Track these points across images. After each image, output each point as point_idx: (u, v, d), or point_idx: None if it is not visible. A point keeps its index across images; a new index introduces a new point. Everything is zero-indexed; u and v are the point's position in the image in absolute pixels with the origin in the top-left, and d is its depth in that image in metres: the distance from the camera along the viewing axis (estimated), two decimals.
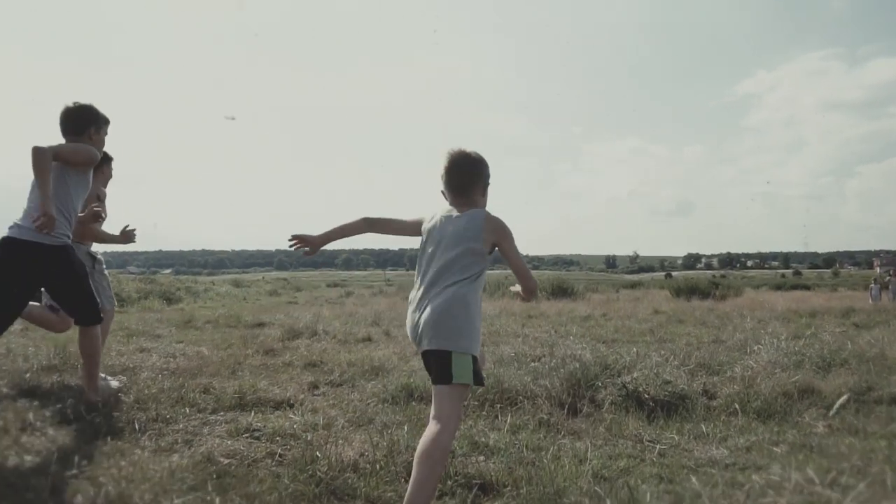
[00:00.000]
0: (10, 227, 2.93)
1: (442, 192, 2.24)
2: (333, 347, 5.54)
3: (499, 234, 2.10)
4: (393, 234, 2.31)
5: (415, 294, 2.12)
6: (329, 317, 10.15)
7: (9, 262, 2.88)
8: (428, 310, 2.01)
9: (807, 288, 40.47)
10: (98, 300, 3.22)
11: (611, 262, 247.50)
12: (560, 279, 22.29)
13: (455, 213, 2.16)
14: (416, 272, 2.17)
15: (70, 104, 3.16)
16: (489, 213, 2.14)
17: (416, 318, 2.04)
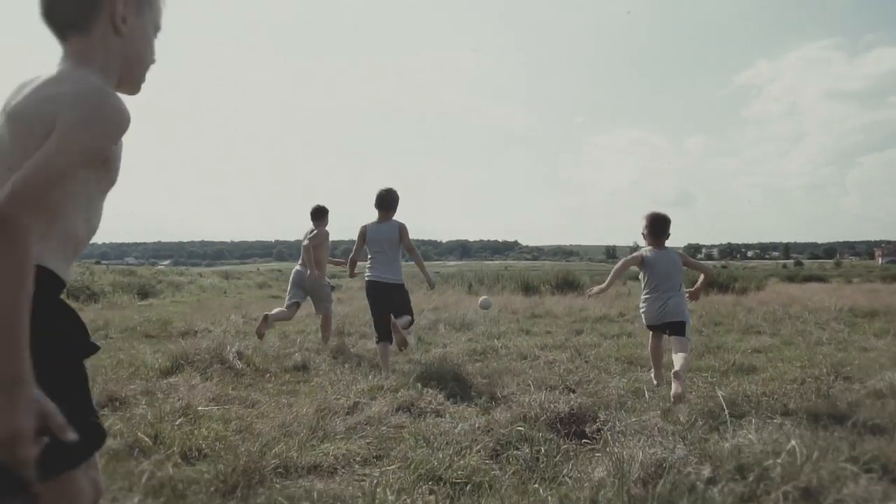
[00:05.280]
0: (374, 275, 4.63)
1: (643, 234, 3.90)
2: (219, 395, 3.33)
3: (684, 257, 3.95)
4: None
5: (653, 296, 3.74)
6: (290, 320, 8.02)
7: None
8: (670, 303, 3.69)
9: (821, 280, 38.37)
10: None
11: (611, 253, 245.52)
12: (565, 271, 20.25)
13: (658, 250, 3.82)
14: (647, 283, 3.78)
15: (383, 190, 4.68)
16: (678, 249, 3.98)
17: (662, 308, 3.70)
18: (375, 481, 2.02)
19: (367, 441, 2.53)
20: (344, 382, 3.65)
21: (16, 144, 1.07)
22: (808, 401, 3.09)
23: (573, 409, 2.95)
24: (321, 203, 5.69)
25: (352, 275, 5.09)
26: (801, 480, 1.78)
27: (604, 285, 3.87)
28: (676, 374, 3.34)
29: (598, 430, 2.79)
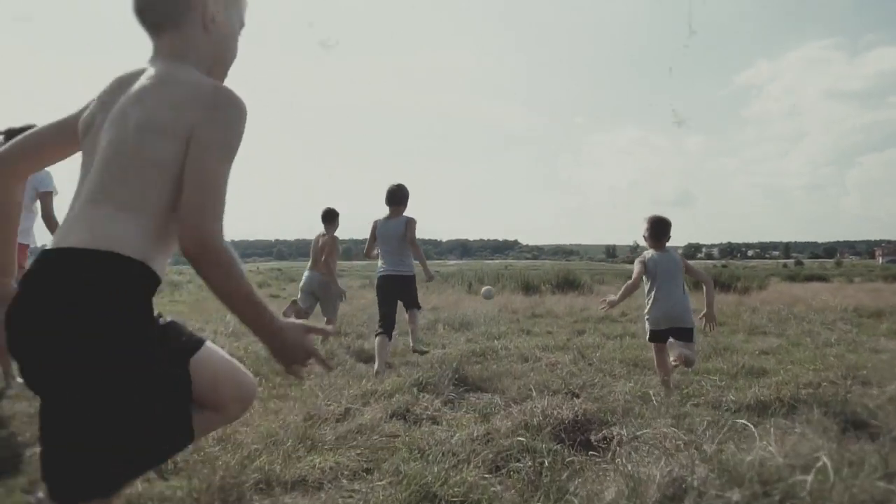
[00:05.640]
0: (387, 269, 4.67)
1: (645, 237, 3.87)
2: None
3: (684, 261, 3.87)
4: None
5: (660, 297, 3.68)
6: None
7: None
8: (678, 307, 3.66)
9: (822, 279, 38.26)
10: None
11: (611, 252, 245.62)
12: (565, 270, 20.09)
13: (660, 252, 3.79)
14: (651, 285, 3.74)
15: (393, 185, 4.67)
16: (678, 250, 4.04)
17: (670, 311, 3.65)
18: (363, 500, 1.85)
19: (358, 452, 2.35)
20: (336, 387, 3.47)
21: (142, 151, 1.09)
22: (826, 407, 2.92)
23: (578, 416, 2.78)
24: (331, 206, 5.79)
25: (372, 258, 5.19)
26: (834, 501, 1.61)
27: (616, 299, 3.82)
28: (676, 350, 3.55)
29: (605, 438, 2.62)
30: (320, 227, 5.87)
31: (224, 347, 4.53)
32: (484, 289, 6.55)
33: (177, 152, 1.08)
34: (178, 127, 1.07)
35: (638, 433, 2.44)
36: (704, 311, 3.81)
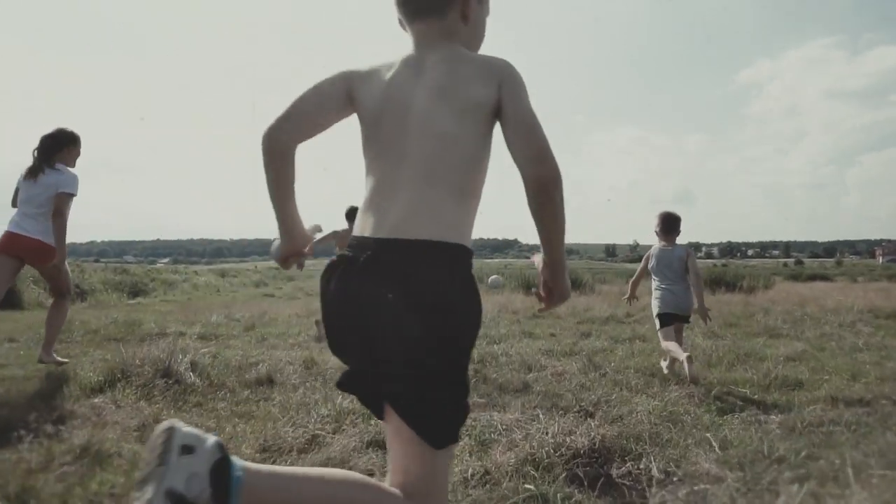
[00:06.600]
0: None
1: (656, 232, 4.19)
2: (147, 420, 2.65)
3: (689, 256, 4.14)
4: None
5: (664, 286, 4.06)
6: (271, 319, 7.47)
7: None
8: (682, 296, 4.01)
9: (825, 278, 37.97)
10: None
11: (610, 251, 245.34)
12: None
13: (668, 246, 4.16)
14: (655, 277, 4.16)
15: None
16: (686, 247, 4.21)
17: (675, 298, 4.00)
18: None
19: None
20: (305, 405, 2.95)
21: (474, 132, 1.18)
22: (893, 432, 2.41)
23: (595, 444, 2.27)
24: (355, 205, 5.89)
25: None
26: None
27: (628, 294, 4.53)
28: (690, 359, 3.68)
29: (630, 473, 2.12)
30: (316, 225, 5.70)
31: (189, 354, 4.03)
32: (491, 278, 6.28)
33: (488, 130, 1.19)
34: (490, 102, 1.17)
35: (674, 469, 1.92)
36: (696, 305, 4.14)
